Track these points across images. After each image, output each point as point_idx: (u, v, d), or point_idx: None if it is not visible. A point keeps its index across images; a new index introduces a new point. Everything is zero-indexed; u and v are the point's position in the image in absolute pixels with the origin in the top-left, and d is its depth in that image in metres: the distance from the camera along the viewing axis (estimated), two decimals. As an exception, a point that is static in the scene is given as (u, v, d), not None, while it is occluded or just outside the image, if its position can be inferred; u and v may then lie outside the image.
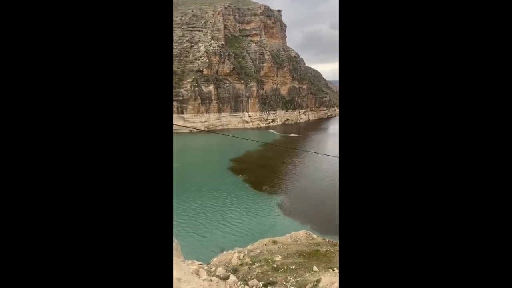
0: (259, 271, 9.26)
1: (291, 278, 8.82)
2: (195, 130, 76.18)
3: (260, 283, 8.60)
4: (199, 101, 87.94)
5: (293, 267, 9.71)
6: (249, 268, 9.55)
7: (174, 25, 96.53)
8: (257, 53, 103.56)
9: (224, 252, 11.94)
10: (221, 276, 8.93)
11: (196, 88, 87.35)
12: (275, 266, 9.78)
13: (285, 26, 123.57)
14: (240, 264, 9.98)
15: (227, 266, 9.90)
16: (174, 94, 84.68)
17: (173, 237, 11.18)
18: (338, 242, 13.39)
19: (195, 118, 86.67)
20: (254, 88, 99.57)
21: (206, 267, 10.05)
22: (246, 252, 11.05)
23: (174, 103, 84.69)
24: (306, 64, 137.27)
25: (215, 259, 11.07)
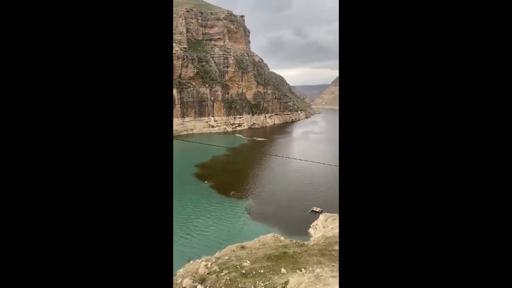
0: (228, 278, 9.11)
1: (260, 283, 8.81)
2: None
3: (229, 290, 8.45)
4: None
5: (262, 271, 9.72)
6: (217, 276, 9.35)
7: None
8: (221, 58, 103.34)
9: (191, 262, 11.55)
10: (188, 287, 8.62)
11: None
12: (244, 272, 9.71)
13: (249, 32, 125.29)
14: (208, 273, 9.73)
15: (194, 276, 9.58)
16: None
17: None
18: (304, 242, 13.74)
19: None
20: (219, 92, 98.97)
21: (171, 280, 9.62)
22: (213, 260, 10.81)
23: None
24: (270, 69, 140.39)
25: (181, 270, 10.65)
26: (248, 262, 10.49)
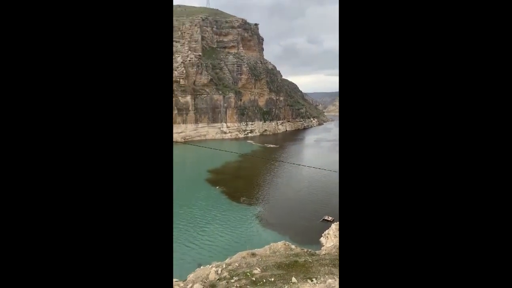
0: (238, 285, 9.05)
1: (270, 291, 8.70)
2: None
3: (239, 298, 8.38)
4: (176, 112, 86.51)
5: (272, 279, 9.60)
6: (227, 282, 9.31)
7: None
8: (235, 65, 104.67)
9: (201, 267, 11.56)
10: (198, 292, 8.62)
11: (173, 99, 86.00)
12: (254, 279, 9.62)
13: (262, 39, 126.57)
14: (218, 279, 9.70)
15: (205, 282, 9.58)
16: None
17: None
18: (315, 252, 13.49)
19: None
20: (232, 99, 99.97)
21: (182, 284, 9.65)
22: (224, 266, 10.78)
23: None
24: (283, 77, 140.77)
25: (191, 275, 10.67)
26: (259, 269, 10.39)
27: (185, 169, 56.32)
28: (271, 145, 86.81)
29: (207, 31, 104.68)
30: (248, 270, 10.23)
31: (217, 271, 10.29)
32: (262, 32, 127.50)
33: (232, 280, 9.45)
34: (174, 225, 30.27)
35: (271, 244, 13.27)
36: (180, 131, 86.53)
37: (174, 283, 9.63)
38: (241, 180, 48.82)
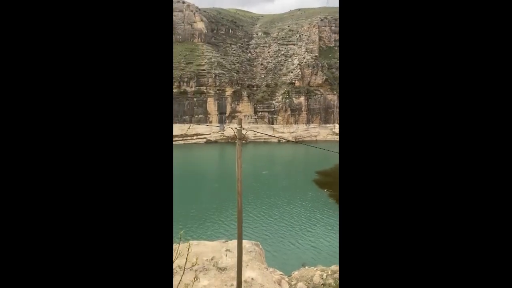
0: (344, 297, 8.48)
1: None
2: (283, 140, 77.90)
3: (344, 310, 7.83)
4: (289, 112, 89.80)
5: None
6: (332, 290, 8.89)
7: (271, 41, 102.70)
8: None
9: (306, 267, 11.54)
10: (302, 292, 8.62)
11: (287, 100, 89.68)
12: (363, 296, 8.76)
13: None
14: (322, 284, 9.42)
15: (309, 283, 9.50)
16: (266, 105, 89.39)
17: (258, 243, 11.54)
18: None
19: (284, 129, 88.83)
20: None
21: (287, 279, 9.92)
22: (329, 273, 10.36)
23: (266, 113, 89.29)
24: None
25: (296, 273, 10.81)
26: (369, 286, 9.41)
27: (294, 168, 57.67)
28: (390, 151, 76.58)
29: (325, 30, 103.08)
30: (356, 284, 9.44)
31: (322, 275, 10.00)
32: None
33: (338, 290, 8.95)
34: (280, 221, 31.61)
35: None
36: (292, 131, 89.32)
37: (279, 276, 10.03)
38: (351, 186, 45.58)
